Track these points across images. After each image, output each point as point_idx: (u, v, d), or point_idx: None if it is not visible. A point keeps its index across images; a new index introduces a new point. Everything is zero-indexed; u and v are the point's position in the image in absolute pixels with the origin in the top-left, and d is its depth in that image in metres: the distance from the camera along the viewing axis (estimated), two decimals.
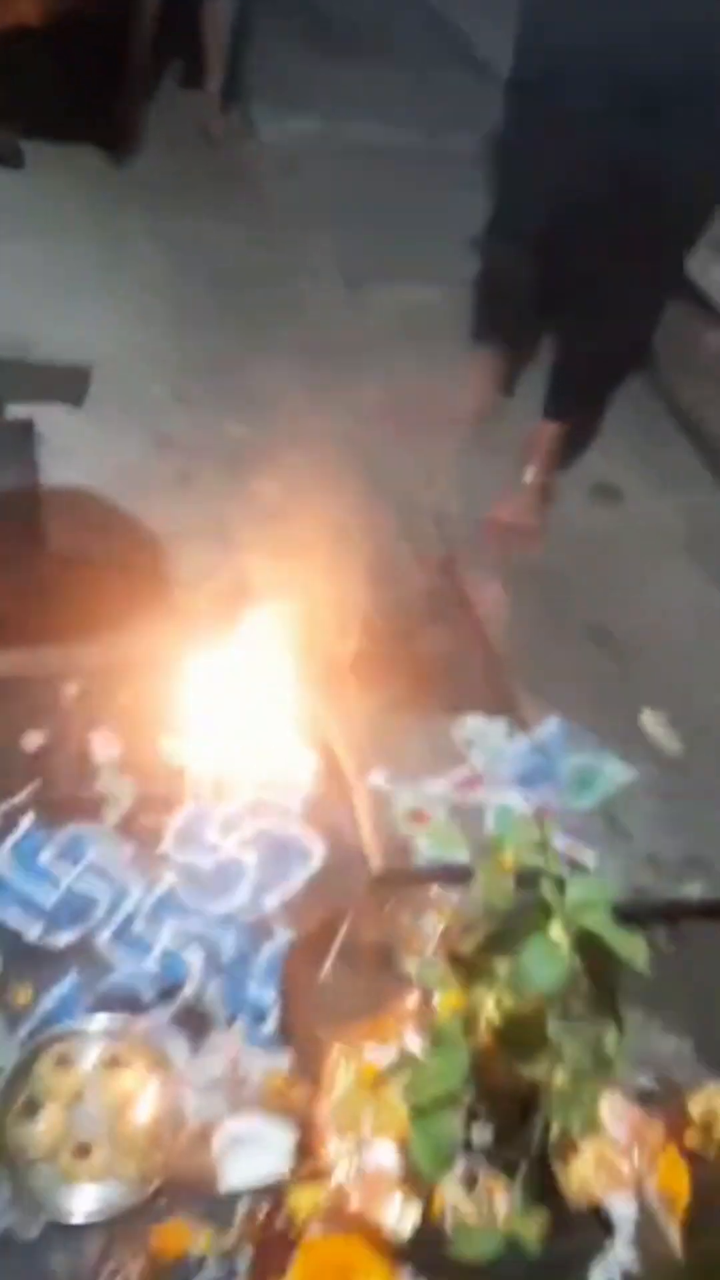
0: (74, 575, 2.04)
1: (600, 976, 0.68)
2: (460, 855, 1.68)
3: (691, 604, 2.39)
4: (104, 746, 1.79)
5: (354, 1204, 0.71)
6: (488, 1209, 0.71)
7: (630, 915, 1.73)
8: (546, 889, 0.66)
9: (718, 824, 1.89)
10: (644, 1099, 1.36)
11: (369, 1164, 0.73)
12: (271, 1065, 1.42)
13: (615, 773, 1.93)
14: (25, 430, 2.29)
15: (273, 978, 1.54)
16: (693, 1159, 0.80)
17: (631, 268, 2.28)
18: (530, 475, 2.42)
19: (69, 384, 2.45)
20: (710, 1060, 1.54)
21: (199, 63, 3.70)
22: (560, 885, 0.67)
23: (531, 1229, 0.69)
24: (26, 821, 1.67)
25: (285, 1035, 1.47)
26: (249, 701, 1.91)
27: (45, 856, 1.64)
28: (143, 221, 3.26)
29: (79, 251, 3.05)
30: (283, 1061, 1.42)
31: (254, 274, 3.14)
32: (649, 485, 2.69)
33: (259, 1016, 1.51)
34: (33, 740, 1.76)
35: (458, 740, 1.93)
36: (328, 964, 1.54)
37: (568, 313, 2.47)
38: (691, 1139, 0.90)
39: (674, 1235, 0.71)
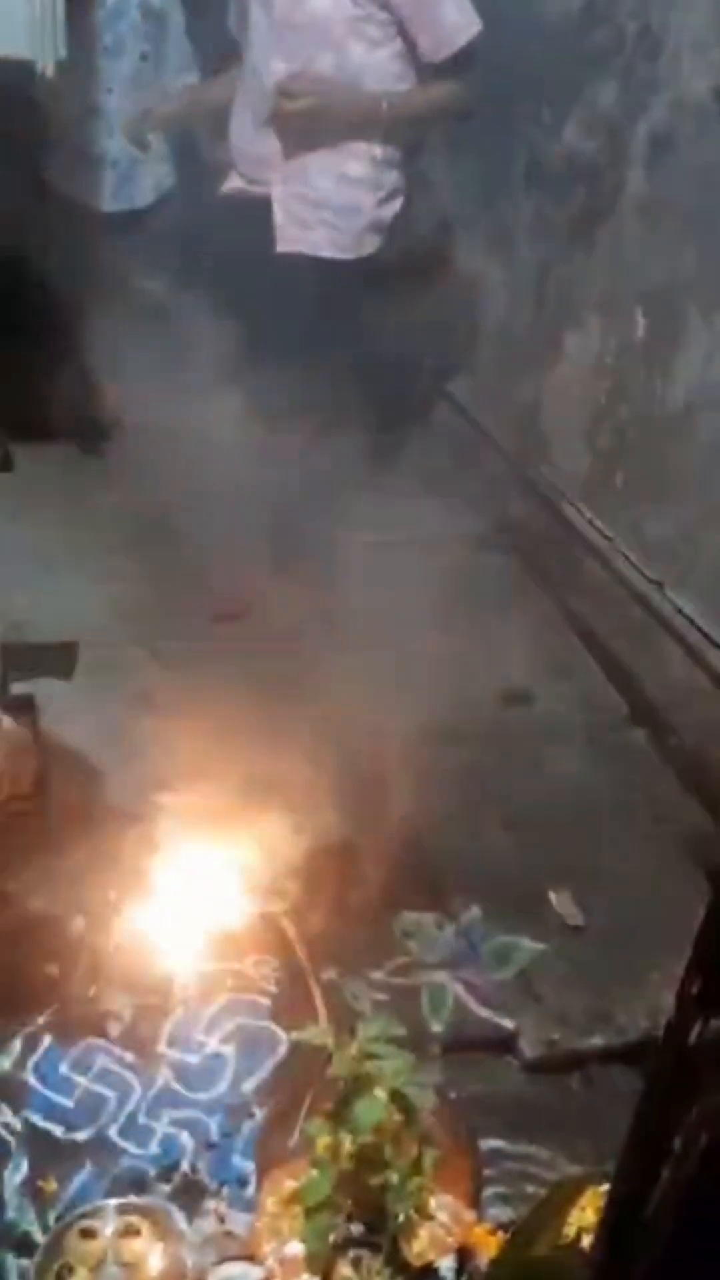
0: (73, 826, 2.50)
1: (408, 1116, 1.10)
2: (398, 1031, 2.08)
3: (580, 787, 2.80)
4: (106, 970, 2.20)
5: None
6: (366, 1275, 1.12)
7: (542, 1066, 2.14)
8: (370, 1066, 1.10)
9: (616, 983, 2.28)
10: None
11: (287, 1254, 1.13)
12: (252, 1221, 1.79)
13: (528, 947, 2.34)
14: (28, 705, 2.77)
15: (251, 1150, 1.92)
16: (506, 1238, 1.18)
17: None
18: None
19: (60, 660, 2.95)
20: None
21: None
22: (379, 1060, 1.10)
23: None
24: (46, 1040, 2.07)
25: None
26: (224, 916, 2.33)
27: (63, 1068, 2.03)
28: (116, 498, 3.82)
29: (61, 535, 3.60)
30: None
31: None
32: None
33: (242, 1183, 1.87)
34: (49, 971, 2.17)
35: (396, 933, 2.35)
36: (295, 1135, 1.92)
37: None
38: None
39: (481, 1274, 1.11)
